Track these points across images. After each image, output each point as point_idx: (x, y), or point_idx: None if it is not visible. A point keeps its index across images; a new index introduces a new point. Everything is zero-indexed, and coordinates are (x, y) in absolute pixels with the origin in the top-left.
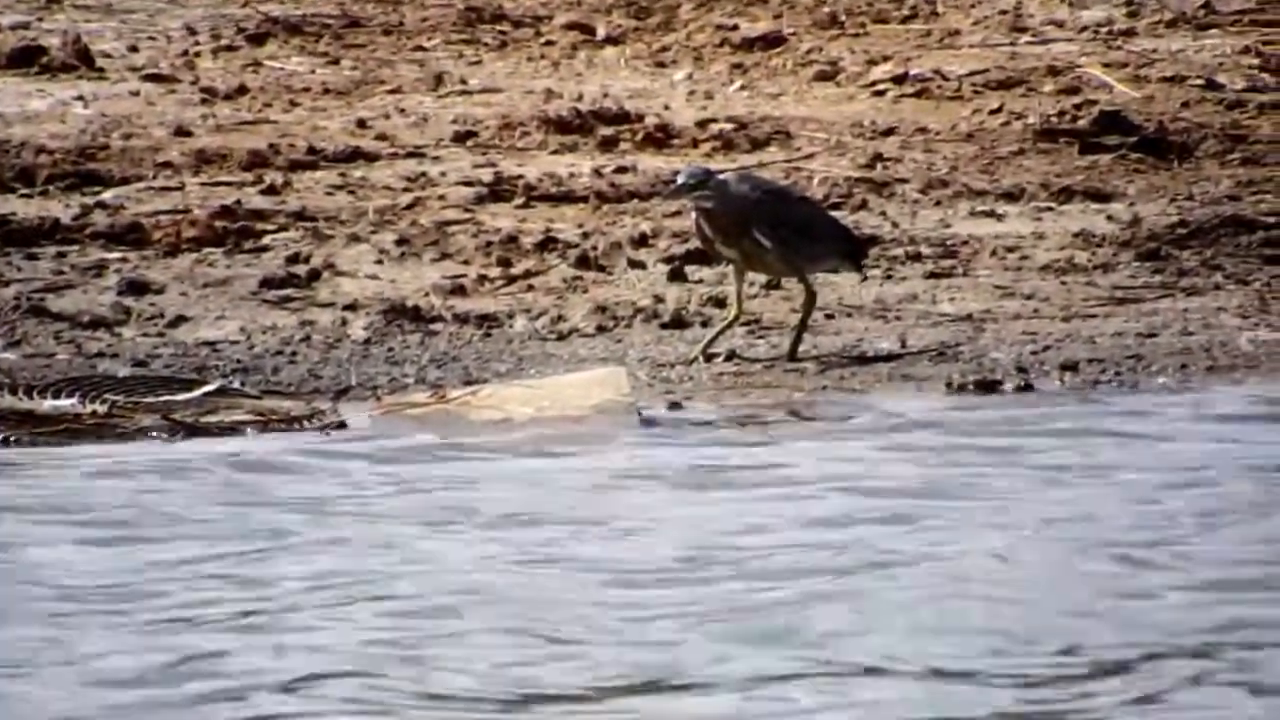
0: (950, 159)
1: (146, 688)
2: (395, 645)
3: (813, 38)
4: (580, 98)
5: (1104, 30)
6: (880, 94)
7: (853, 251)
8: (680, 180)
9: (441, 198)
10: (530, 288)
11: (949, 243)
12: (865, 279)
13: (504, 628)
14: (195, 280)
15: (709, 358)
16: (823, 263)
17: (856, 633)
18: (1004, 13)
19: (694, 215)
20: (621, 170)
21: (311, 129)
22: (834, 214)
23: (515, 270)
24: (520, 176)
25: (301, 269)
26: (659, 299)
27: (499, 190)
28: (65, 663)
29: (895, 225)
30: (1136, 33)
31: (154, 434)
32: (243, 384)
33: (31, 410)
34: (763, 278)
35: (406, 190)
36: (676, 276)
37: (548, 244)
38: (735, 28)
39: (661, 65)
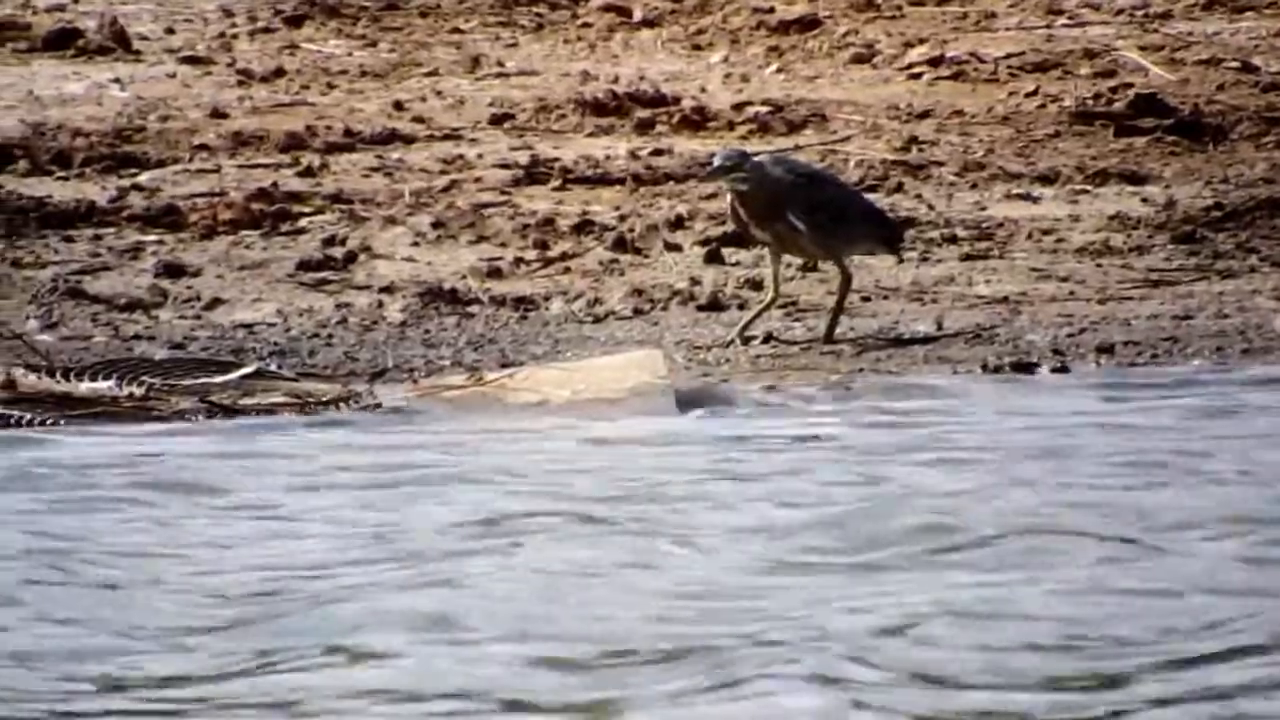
0: (986, 141)
1: None
2: None
3: (849, 20)
4: (616, 80)
5: (1140, 13)
6: (916, 77)
7: (888, 235)
8: (716, 163)
9: (478, 180)
10: (567, 270)
11: (985, 225)
12: (901, 261)
13: None
14: (232, 263)
15: (746, 340)
16: (858, 246)
17: None
18: None
19: (729, 198)
20: (658, 153)
21: (348, 111)
22: (870, 197)
23: (552, 253)
24: (557, 159)
25: (338, 251)
26: (695, 281)
27: (535, 173)
28: None
29: (931, 208)
30: (1172, 15)
31: (191, 416)
32: (279, 366)
33: (69, 392)
34: (799, 260)
35: (443, 173)
36: (713, 259)
37: (584, 226)
38: (771, 10)
39: (698, 48)
